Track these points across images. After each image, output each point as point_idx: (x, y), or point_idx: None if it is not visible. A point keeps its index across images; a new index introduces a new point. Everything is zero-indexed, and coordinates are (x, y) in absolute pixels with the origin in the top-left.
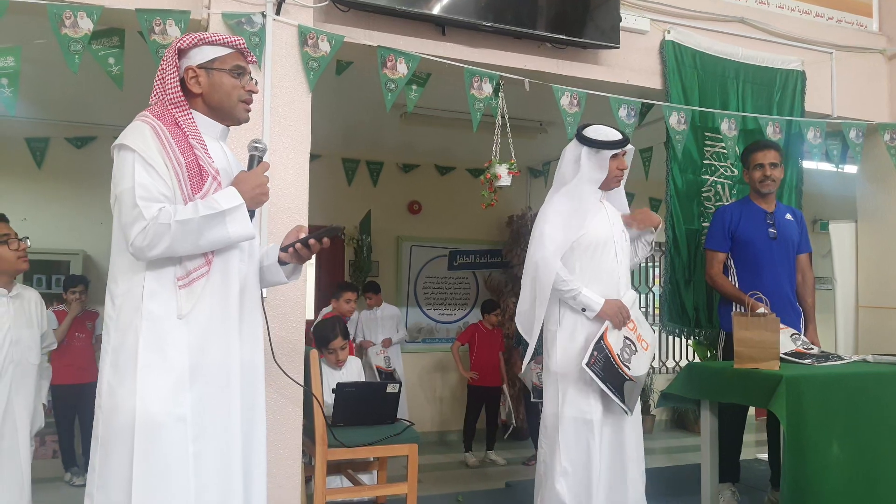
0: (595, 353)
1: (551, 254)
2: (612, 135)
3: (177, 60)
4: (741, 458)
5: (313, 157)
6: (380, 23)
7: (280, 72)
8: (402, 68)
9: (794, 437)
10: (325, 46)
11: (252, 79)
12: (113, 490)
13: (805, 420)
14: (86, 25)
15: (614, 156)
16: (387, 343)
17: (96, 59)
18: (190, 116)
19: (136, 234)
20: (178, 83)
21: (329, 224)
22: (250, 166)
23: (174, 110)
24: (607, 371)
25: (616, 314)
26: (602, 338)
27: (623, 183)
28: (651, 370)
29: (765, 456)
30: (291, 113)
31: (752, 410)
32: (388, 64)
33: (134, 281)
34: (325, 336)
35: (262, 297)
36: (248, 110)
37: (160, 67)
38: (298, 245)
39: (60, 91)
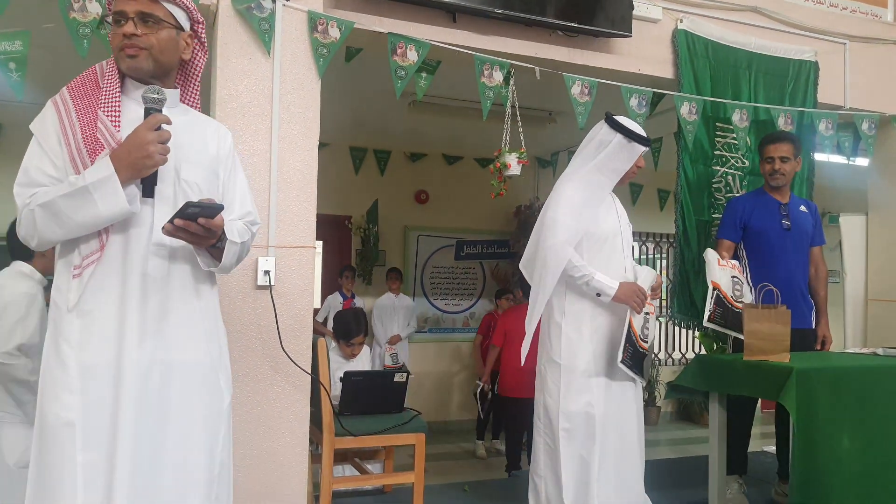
0: (627, 345)
1: (563, 242)
2: (642, 130)
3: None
4: (748, 451)
5: (321, 145)
6: (390, 9)
7: (289, 58)
8: (413, 55)
9: (803, 429)
10: (334, 33)
11: (133, 20)
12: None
13: (815, 413)
14: (94, 10)
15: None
16: (395, 340)
17: (105, 44)
18: (115, 81)
19: (18, 225)
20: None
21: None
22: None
23: (106, 71)
24: (634, 359)
25: (632, 297)
26: (630, 330)
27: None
28: (657, 361)
29: (771, 448)
30: (300, 100)
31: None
32: (398, 51)
33: (56, 271)
34: (348, 329)
35: (271, 285)
36: (130, 56)
37: None
38: (167, 226)
39: (69, 76)
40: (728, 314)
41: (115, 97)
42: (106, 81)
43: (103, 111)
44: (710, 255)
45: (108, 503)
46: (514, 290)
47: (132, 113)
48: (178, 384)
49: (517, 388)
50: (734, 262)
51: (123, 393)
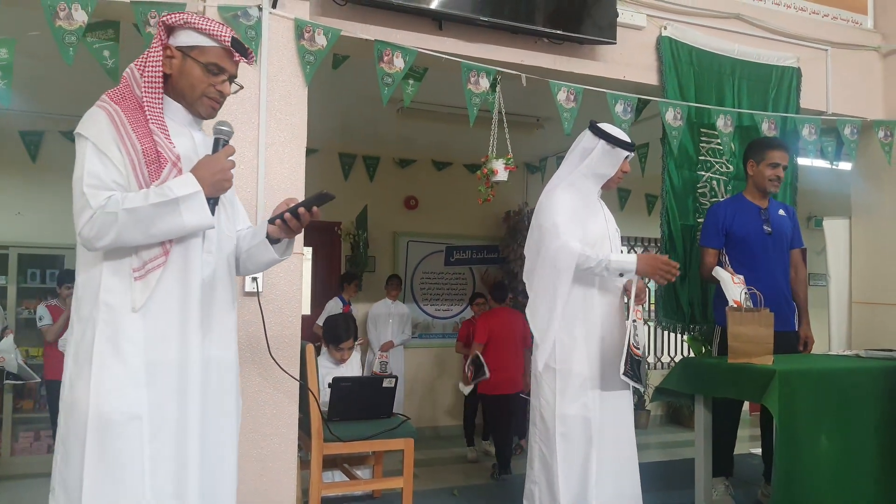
0: (627, 356)
1: (569, 240)
2: (625, 136)
3: (164, 36)
4: (734, 453)
5: (309, 151)
6: (376, 17)
7: (276, 65)
8: (399, 62)
9: (786, 431)
10: (321, 40)
11: (233, 82)
12: (72, 488)
13: (797, 414)
14: (80, 17)
15: (625, 156)
16: (387, 346)
17: (91, 51)
18: (159, 98)
19: (83, 224)
20: (160, 61)
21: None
22: (215, 150)
23: (145, 89)
24: (633, 368)
25: (656, 269)
26: (628, 343)
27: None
28: (646, 366)
29: (758, 450)
30: (287, 107)
31: (745, 405)
32: (385, 58)
33: (92, 272)
34: (337, 334)
35: (259, 291)
36: (214, 108)
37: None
38: (287, 215)
39: (55, 84)
40: (634, 365)
41: (161, 114)
42: (148, 97)
43: (155, 125)
44: (722, 273)
45: (182, 485)
46: (485, 294)
47: (175, 128)
48: (223, 380)
49: (499, 385)
50: (740, 276)
51: (190, 386)
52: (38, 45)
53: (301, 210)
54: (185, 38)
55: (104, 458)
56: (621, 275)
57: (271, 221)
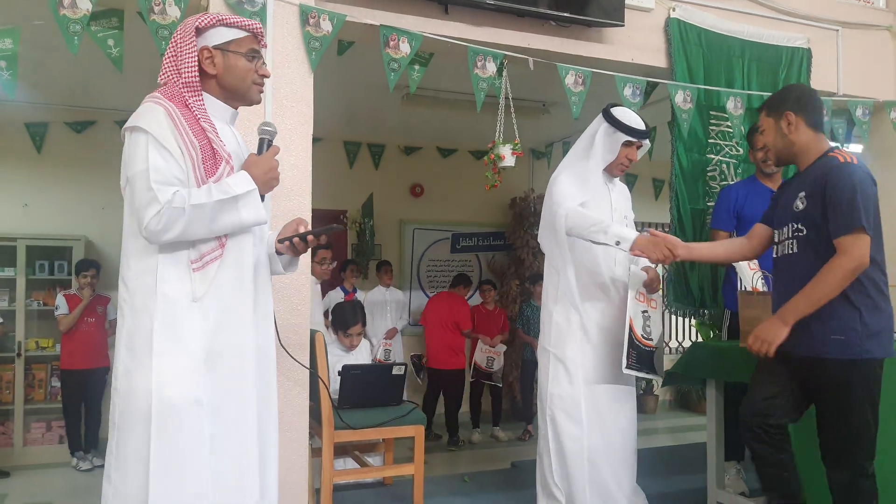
0: (630, 350)
1: (572, 203)
2: (636, 122)
3: (194, 40)
4: None
5: (314, 139)
6: (382, 1)
7: (281, 52)
8: (405, 48)
9: None
10: (326, 26)
11: (264, 63)
12: (129, 472)
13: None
14: (84, 6)
15: (627, 143)
16: (392, 334)
17: (95, 40)
18: (201, 99)
19: (150, 218)
20: (196, 63)
21: (328, 223)
22: (260, 150)
23: (186, 92)
24: (641, 360)
25: (654, 248)
26: (631, 333)
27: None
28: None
29: None
30: (294, 94)
31: None
32: (391, 43)
33: (147, 264)
34: (345, 320)
35: None
36: (261, 92)
37: (172, 45)
38: (296, 240)
39: (60, 74)
40: (642, 356)
41: (206, 112)
42: (194, 96)
43: (206, 123)
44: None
45: (245, 469)
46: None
47: (219, 126)
48: (270, 366)
49: (444, 361)
50: (755, 262)
51: (247, 372)
52: (42, 34)
53: (310, 237)
54: (218, 37)
55: (168, 442)
56: (618, 243)
57: (280, 241)
